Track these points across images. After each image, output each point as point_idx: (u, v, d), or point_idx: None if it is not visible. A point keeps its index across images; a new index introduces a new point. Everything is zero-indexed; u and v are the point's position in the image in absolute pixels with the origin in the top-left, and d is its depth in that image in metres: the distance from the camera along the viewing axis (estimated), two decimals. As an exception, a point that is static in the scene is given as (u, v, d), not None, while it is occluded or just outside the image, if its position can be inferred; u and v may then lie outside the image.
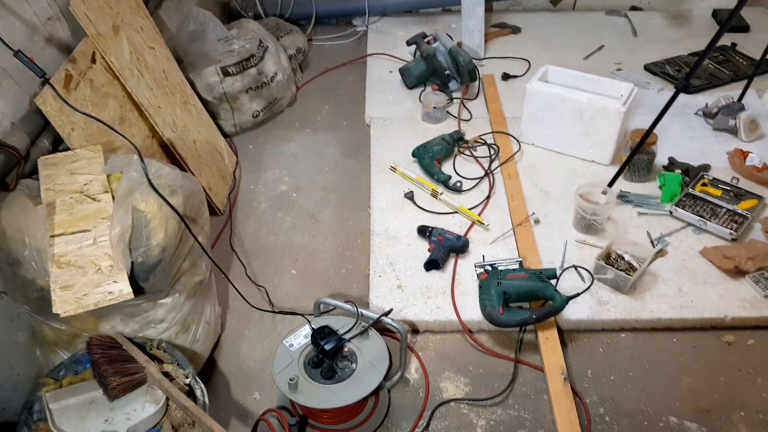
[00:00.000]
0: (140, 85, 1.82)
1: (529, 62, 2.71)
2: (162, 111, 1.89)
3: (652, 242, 1.84)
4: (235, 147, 2.32)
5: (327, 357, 1.25)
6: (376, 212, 1.97)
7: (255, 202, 2.07)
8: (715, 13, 3.05)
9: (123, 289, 1.08)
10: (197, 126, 2.08)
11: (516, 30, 2.98)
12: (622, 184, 2.05)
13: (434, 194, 2.02)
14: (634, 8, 3.13)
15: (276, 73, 2.39)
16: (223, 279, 1.67)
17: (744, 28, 2.92)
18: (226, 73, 2.24)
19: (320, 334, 1.27)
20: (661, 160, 2.14)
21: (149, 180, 1.19)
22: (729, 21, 1.71)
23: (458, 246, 1.80)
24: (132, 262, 1.14)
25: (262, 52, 2.34)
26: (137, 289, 1.16)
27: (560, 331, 1.59)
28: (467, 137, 2.27)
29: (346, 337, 1.30)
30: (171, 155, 1.90)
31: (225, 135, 2.33)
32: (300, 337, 1.30)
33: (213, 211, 1.98)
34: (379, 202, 2.00)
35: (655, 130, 1.94)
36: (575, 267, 1.74)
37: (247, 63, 2.28)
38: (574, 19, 3.08)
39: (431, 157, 2.13)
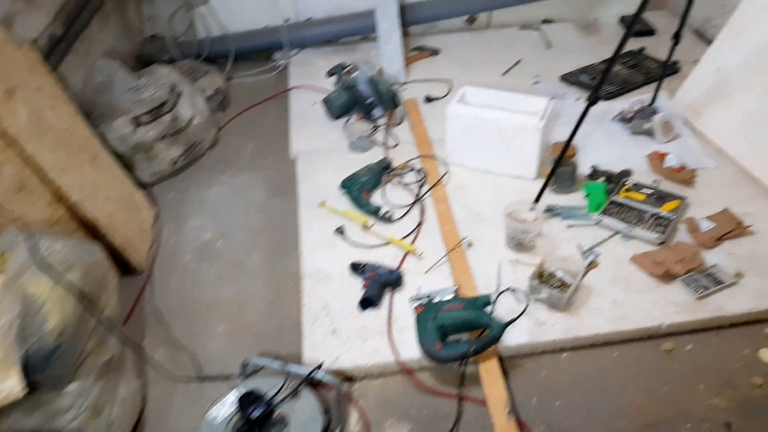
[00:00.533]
0: (40, 148, 1.70)
1: (450, 83, 2.72)
2: (67, 172, 1.77)
3: (583, 254, 1.85)
4: (156, 197, 2.22)
5: (255, 426, 1.17)
6: (307, 252, 1.90)
7: (178, 255, 1.97)
8: (623, 20, 3.15)
9: (14, 386, 0.98)
10: (109, 182, 1.97)
11: (435, 52, 2.99)
12: (550, 198, 2.06)
13: (365, 227, 1.98)
14: (546, 21, 3.21)
15: (193, 116, 2.31)
16: (143, 346, 1.56)
17: (650, 31, 3.03)
18: (138, 122, 2.14)
19: (247, 401, 1.19)
20: (586, 168, 2.17)
21: (39, 259, 1.09)
22: (631, 28, 1.75)
23: (392, 280, 1.75)
24: (26, 352, 1.04)
25: (176, 97, 2.25)
26: (35, 381, 1.05)
27: (502, 359, 1.56)
28: (395, 164, 2.25)
29: (276, 400, 1.23)
30: (80, 218, 1.79)
31: (144, 186, 2.23)
32: (226, 406, 1.22)
33: (131, 270, 1.87)
34: (308, 242, 1.94)
35: (576, 140, 1.97)
36: (510, 289, 1.72)
37: (159, 110, 2.19)
38: (490, 36, 3.12)
39: (359, 189, 2.09)
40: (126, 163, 2.16)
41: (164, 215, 2.14)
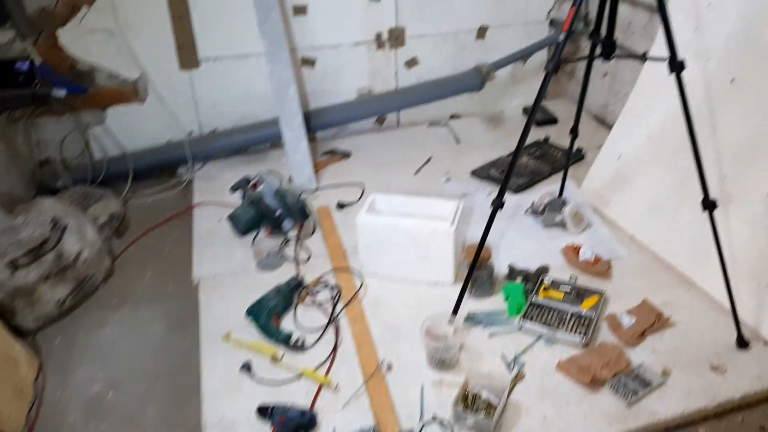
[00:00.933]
0: None
1: (362, 186, 2.67)
2: None
3: (508, 366, 1.74)
4: (39, 346, 1.98)
5: None
6: (209, 398, 1.70)
7: (62, 415, 1.72)
8: (526, 110, 3.25)
9: None
10: (-23, 339, 1.74)
11: (346, 155, 2.96)
12: (470, 304, 1.97)
13: (274, 359, 1.81)
14: (453, 116, 3.26)
15: (81, 250, 2.12)
16: None
17: (552, 120, 3.12)
18: (15, 266, 1.93)
19: None
20: (503, 267, 2.11)
21: None
22: (530, 121, 1.73)
23: (305, 423, 1.57)
24: None
25: (59, 232, 2.07)
26: None
27: (428, 508, 1.39)
28: (308, 280, 2.12)
29: None
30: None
31: (26, 333, 1.99)
32: None
33: (1, 445, 1.61)
34: (211, 384, 1.74)
35: (490, 239, 1.90)
36: (435, 419, 1.58)
37: (40, 250, 1.99)
38: (401, 135, 3.14)
39: (267, 315, 1.93)
40: (4, 310, 1.93)
41: (49, 366, 1.90)
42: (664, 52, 1.64)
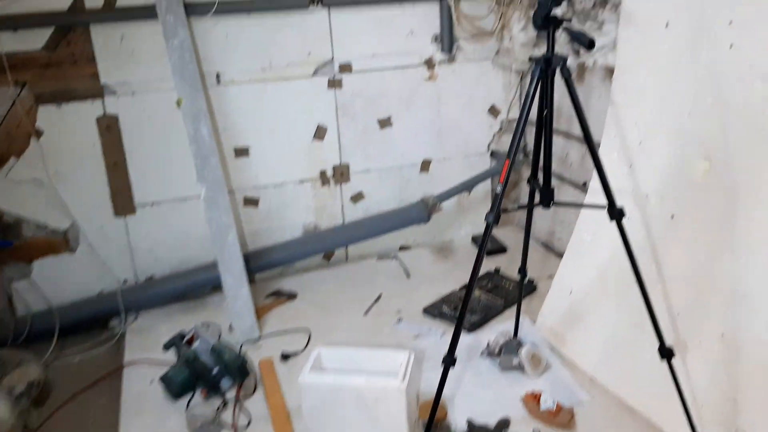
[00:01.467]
0: None
1: (309, 332, 2.52)
2: None
3: None
4: None
5: None
6: None
7: None
8: (474, 240, 3.23)
9: None
10: None
11: (292, 295, 2.83)
12: (427, 472, 1.78)
13: None
14: (402, 248, 3.21)
15: (-14, 434, 1.87)
16: None
17: (502, 249, 3.10)
18: None
19: None
20: (461, 421, 1.95)
21: None
22: (479, 261, 1.65)
23: None
24: None
25: (-41, 416, 1.82)
26: None
27: None
28: (247, 452, 1.90)
29: None
30: None
31: None
32: None
33: None
34: None
35: (446, 391, 1.77)
36: None
37: (-67, 439, 1.74)
38: (349, 270, 3.04)
39: (198, 504, 1.69)
40: None
41: None
42: (602, 196, 1.63)
